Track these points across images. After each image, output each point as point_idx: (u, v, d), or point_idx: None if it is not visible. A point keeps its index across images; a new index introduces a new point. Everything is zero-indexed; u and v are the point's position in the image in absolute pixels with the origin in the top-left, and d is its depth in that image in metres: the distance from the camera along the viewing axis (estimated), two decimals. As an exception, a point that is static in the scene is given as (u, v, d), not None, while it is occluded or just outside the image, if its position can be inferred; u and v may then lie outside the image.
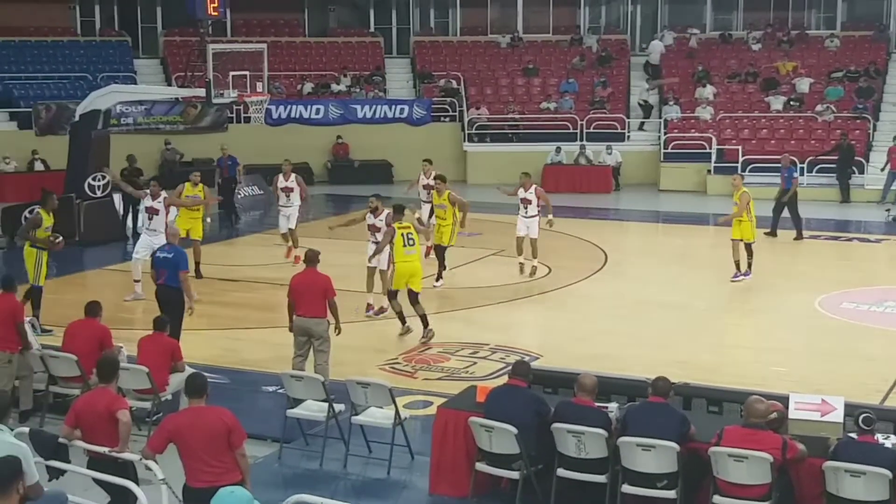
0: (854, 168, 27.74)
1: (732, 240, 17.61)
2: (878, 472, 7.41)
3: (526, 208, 18.07)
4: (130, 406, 8.43)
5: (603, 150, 30.37)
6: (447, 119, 32.76)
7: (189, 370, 10.03)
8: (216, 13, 22.46)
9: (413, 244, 14.38)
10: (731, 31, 35.41)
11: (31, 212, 16.65)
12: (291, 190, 19.36)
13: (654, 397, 8.35)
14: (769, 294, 17.06)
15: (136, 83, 30.84)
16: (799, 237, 21.48)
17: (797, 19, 35.62)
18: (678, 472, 8.01)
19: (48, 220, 14.53)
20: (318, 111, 32.10)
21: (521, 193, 18.13)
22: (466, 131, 31.99)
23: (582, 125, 31.40)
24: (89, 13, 34.39)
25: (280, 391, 10.95)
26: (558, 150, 30.31)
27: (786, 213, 21.67)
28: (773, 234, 21.44)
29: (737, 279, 17.53)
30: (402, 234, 14.29)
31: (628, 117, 32.23)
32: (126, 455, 7.86)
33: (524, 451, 8.38)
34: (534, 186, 18.31)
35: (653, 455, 8.02)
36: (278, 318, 12.02)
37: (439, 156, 29.83)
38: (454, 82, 33.68)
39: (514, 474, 8.49)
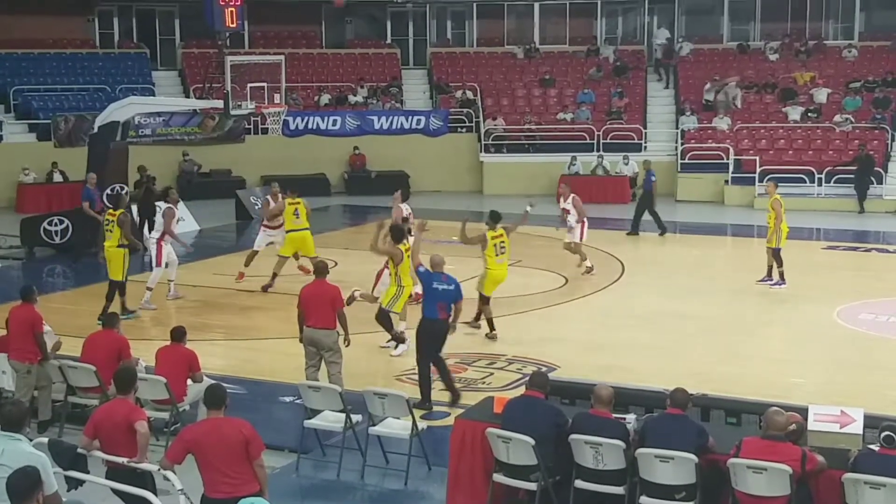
0: (872, 178, 27.63)
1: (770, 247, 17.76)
2: (899, 484, 7.36)
3: (566, 218, 19.07)
4: (149, 417, 8.45)
5: (620, 161, 30.34)
6: (464, 130, 32.81)
7: (207, 381, 10.06)
8: (234, 25, 22.60)
9: (504, 252, 15.00)
10: (748, 42, 35.35)
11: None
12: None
13: (673, 409, 8.32)
14: (787, 305, 16.99)
15: (154, 95, 31.02)
16: (662, 233, 23.14)
17: (814, 29, 35.54)
18: (696, 484, 7.97)
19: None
20: (335, 122, 32.20)
21: (561, 203, 18.91)
22: (483, 142, 32.04)
23: (599, 136, 31.39)
24: (108, 26, 34.60)
25: (297, 402, 10.96)
26: (574, 160, 30.31)
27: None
28: (634, 233, 23.15)
29: (774, 286, 17.67)
30: (495, 244, 14.90)
31: (645, 127, 32.21)
32: (144, 466, 7.87)
33: (542, 463, 8.36)
34: (572, 196, 18.94)
35: (671, 467, 7.99)
36: (296, 328, 12.03)
37: (456, 167, 29.98)
38: (471, 93, 33.73)
39: (532, 486, 8.46)
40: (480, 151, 31.94)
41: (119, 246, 15.79)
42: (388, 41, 36.91)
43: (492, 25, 37.09)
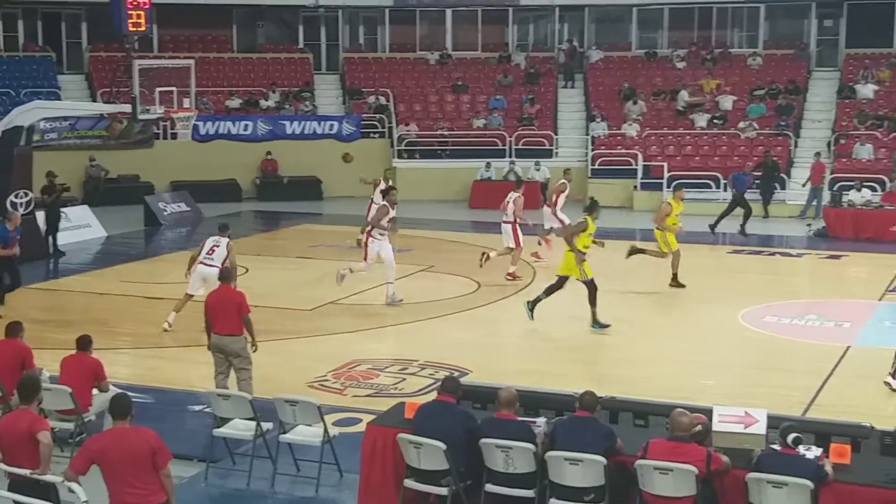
0: (777, 184, 28.30)
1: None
2: (800, 482, 7.54)
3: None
4: (53, 427, 8.27)
5: (531, 167, 30.60)
6: (377, 135, 32.76)
7: (114, 390, 9.88)
8: (143, 29, 22.27)
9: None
10: (656, 49, 35.96)
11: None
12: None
13: (581, 411, 8.41)
14: (694, 308, 17.31)
15: (60, 99, 30.40)
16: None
17: (720, 38, 36.29)
18: (605, 486, 8.07)
19: (593, 227, 15.83)
20: (246, 127, 31.91)
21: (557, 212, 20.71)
22: (396, 147, 32.05)
23: (511, 141, 31.64)
24: (12, 28, 33.79)
25: (207, 410, 10.83)
26: (488, 166, 30.51)
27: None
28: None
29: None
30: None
31: (556, 134, 32.56)
32: (48, 477, 7.70)
33: (453, 468, 8.39)
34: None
35: (580, 469, 8.08)
36: (205, 336, 11.90)
37: (369, 172, 29.90)
38: (384, 99, 33.71)
39: (443, 490, 8.48)
40: (393, 157, 31.93)
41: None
42: (301, 46, 36.70)
43: (404, 31, 37.12)
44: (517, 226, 19.52)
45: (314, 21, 36.93)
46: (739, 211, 24.66)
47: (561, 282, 15.72)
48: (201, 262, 15.25)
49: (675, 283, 18.48)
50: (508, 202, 19.69)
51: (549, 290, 15.82)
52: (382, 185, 21.96)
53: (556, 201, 20.98)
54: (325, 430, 9.73)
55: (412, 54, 36.56)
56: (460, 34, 36.92)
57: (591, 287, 15.44)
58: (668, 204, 19.06)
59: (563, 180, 21.28)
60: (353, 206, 29.18)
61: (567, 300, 17.71)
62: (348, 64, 35.87)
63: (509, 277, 19.14)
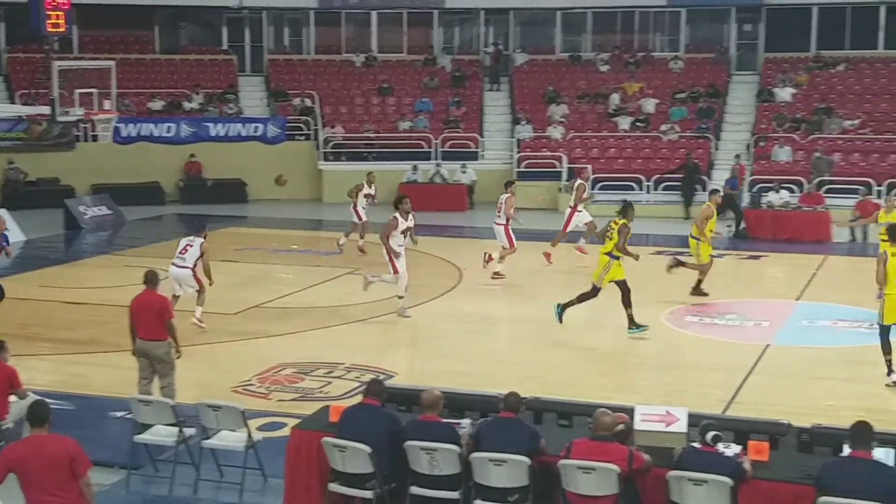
0: (698, 185, 28.75)
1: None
2: (720, 480, 7.67)
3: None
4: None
5: (458, 169, 30.72)
6: (302, 138, 32.59)
7: (33, 397, 9.69)
8: (62, 29, 21.89)
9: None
10: (580, 53, 36.29)
11: None
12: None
13: (506, 412, 8.46)
14: (618, 308, 17.46)
15: (-24, 100, 29.77)
16: None
17: (643, 42, 36.78)
18: (529, 487, 8.13)
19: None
20: (169, 129, 31.53)
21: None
22: (322, 150, 31.91)
23: (437, 144, 31.70)
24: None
25: (128, 416, 10.68)
26: (415, 168, 30.53)
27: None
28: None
29: None
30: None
31: (482, 136, 32.69)
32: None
33: (378, 470, 8.38)
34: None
35: (505, 470, 8.12)
36: (127, 341, 11.72)
37: (294, 175, 29.80)
38: (309, 101, 33.54)
39: (368, 494, 8.47)
40: (319, 159, 31.81)
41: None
42: (224, 47, 36.37)
43: (330, 33, 37.00)
44: (509, 227, 19.68)
45: (238, 22, 36.62)
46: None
47: (624, 287, 15.54)
48: (172, 263, 15.07)
49: (698, 291, 18.12)
50: (501, 204, 19.79)
51: (582, 297, 15.78)
52: (366, 190, 22.14)
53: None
54: (249, 435, 9.65)
55: (338, 56, 36.45)
56: (386, 36, 36.90)
57: (625, 288, 15.38)
58: (708, 206, 18.43)
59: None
60: (278, 209, 29.07)
61: (495, 303, 17.83)
62: (273, 66, 35.64)
63: (495, 276, 19.35)
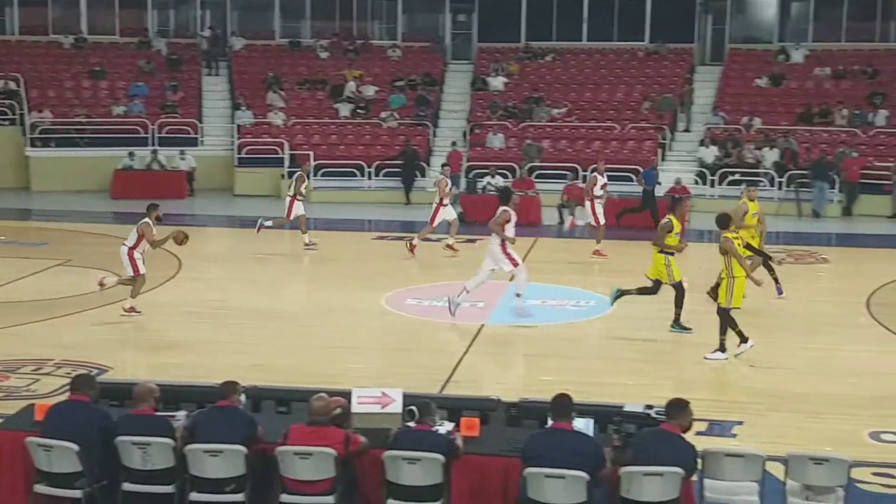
0: (417, 172, 29.38)
1: None
2: (432, 457, 7.90)
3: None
4: None
5: (176, 155, 29.96)
6: (7, 123, 30.86)
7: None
8: None
9: None
10: (299, 39, 36.20)
11: None
12: None
13: (223, 402, 8.37)
14: (341, 294, 17.63)
15: None
16: None
17: (361, 29, 37.13)
18: (245, 476, 8.08)
19: (678, 227, 14.72)
20: None
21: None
22: (29, 136, 30.29)
23: (154, 129, 30.79)
24: None
25: None
26: (131, 155, 29.52)
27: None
28: None
29: None
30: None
31: (201, 122, 32.04)
32: None
33: (86, 469, 8.08)
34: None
35: (220, 460, 8.03)
36: None
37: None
38: (13, 84, 31.73)
39: (77, 493, 8.15)
40: (26, 146, 30.18)
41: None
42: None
43: (35, 13, 35.23)
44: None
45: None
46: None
47: (656, 286, 14.92)
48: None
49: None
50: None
51: (642, 292, 15.12)
52: (307, 183, 21.58)
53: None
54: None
55: (44, 37, 34.72)
56: (97, 18, 35.48)
57: (679, 289, 14.83)
58: (744, 202, 17.25)
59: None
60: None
61: (218, 292, 17.53)
62: (-30, 46, 33.50)
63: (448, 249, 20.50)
